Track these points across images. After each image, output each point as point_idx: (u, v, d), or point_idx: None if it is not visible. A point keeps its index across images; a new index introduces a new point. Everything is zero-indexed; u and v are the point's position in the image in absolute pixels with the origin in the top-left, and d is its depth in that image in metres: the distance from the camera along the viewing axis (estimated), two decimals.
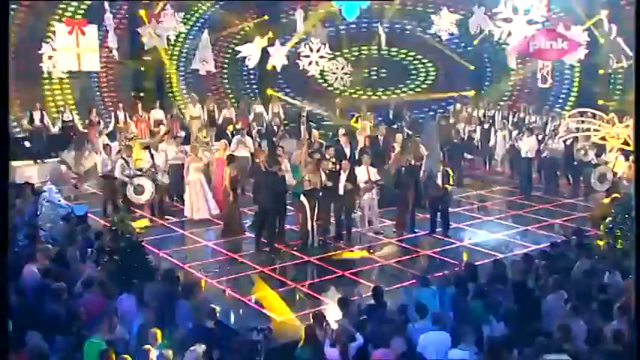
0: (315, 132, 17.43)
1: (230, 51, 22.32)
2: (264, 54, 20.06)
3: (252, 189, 13.91)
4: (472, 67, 23.17)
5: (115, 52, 19.42)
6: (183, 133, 18.26)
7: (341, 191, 13.29)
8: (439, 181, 13.58)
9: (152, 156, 15.24)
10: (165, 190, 15.60)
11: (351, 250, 13.08)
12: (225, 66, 22.68)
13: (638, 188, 5.14)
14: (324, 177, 13.13)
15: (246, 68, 21.68)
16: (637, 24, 4.40)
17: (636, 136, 5.13)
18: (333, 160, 13.96)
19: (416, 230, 14.01)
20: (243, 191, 15.67)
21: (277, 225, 13.04)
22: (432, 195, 13.78)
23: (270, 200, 12.75)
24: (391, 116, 20.88)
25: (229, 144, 16.34)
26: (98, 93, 21.08)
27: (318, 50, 20.11)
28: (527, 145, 17.22)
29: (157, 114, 19.58)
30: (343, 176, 13.29)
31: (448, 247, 13.21)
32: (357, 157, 15.15)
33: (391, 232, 13.99)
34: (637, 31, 4.37)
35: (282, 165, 13.58)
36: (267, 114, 20.45)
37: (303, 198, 13.06)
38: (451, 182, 13.77)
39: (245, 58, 20.04)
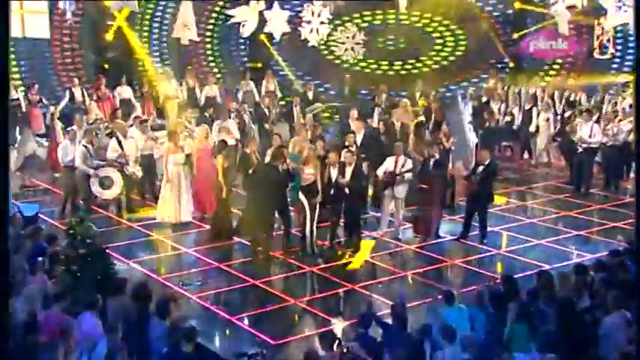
0: (308, 116, 17.35)
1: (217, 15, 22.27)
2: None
3: (244, 185, 14.02)
4: (515, 35, 22.97)
5: (69, 16, 19.34)
6: (159, 122, 18.15)
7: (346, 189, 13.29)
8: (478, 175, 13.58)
9: (120, 143, 15.17)
10: (137, 184, 15.64)
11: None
12: (211, 34, 22.61)
13: (637, 188, 5.93)
14: (332, 171, 13.16)
15: (236, 36, 21.62)
16: (637, 23, 5.54)
17: (637, 135, 6.18)
18: (353, 148, 13.95)
19: (441, 235, 14.04)
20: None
21: (280, 228, 13.21)
22: (470, 193, 13.80)
23: (268, 199, 12.75)
24: (418, 94, 20.62)
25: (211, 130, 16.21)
26: (50, 65, 21.06)
27: (319, 14, 19.97)
28: (583, 131, 17.08)
29: (124, 92, 19.47)
30: (348, 170, 13.23)
31: (482, 255, 13.25)
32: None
33: (412, 237, 14.05)
34: (637, 31, 5.53)
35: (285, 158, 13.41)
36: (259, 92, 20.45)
37: (301, 196, 13.08)
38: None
39: (239, 24, 19.91)
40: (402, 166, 13.71)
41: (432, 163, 13.94)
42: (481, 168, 13.60)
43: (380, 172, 13.89)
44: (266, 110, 18.90)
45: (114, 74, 20.27)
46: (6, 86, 4.70)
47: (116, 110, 17.63)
